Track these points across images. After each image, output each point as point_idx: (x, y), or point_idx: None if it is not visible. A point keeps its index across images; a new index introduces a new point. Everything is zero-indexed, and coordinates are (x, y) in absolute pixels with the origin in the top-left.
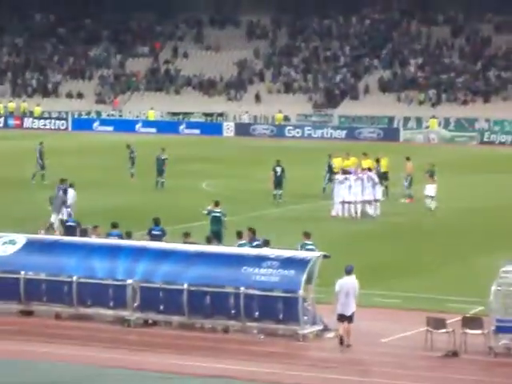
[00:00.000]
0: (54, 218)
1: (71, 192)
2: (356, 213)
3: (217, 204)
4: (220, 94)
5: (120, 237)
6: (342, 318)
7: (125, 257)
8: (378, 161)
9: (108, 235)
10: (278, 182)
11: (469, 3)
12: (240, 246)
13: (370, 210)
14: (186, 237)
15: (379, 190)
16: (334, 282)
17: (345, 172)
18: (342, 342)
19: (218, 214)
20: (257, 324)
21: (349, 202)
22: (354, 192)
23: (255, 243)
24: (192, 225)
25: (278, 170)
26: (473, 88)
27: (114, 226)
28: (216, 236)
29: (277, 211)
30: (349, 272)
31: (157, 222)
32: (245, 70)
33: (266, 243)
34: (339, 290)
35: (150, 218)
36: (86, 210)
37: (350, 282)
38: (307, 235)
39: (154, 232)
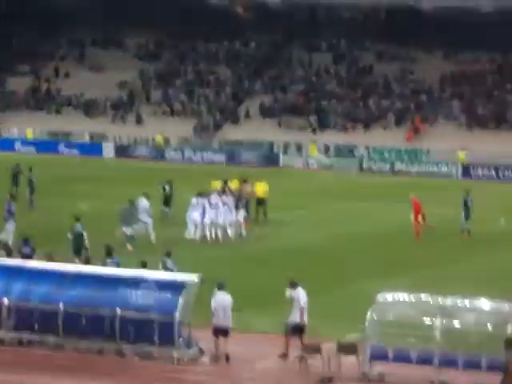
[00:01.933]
0: None
1: None
2: (213, 235)
3: (78, 219)
4: (101, 115)
5: (32, 250)
6: (219, 332)
7: (0, 276)
8: (245, 182)
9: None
10: (167, 200)
11: (351, 31)
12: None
13: (229, 232)
14: (49, 258)
15: (233, 213)
16: (209, 304)
17: (200, 195)
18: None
19: (79, 230)
20: (132, 346)
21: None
22: (209, 215)
23: (110, 261)
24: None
25: (167, 187)
26: (353, 115)
27: (26, 241)
28: (78, 252)
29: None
30: (221, 287)
31: (27, 241)
32: (127, 91)
33: (144, 265)
34: (215, 306)
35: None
36: None
37: (224, 298)
38: (168, 253)
39: (23, 250)
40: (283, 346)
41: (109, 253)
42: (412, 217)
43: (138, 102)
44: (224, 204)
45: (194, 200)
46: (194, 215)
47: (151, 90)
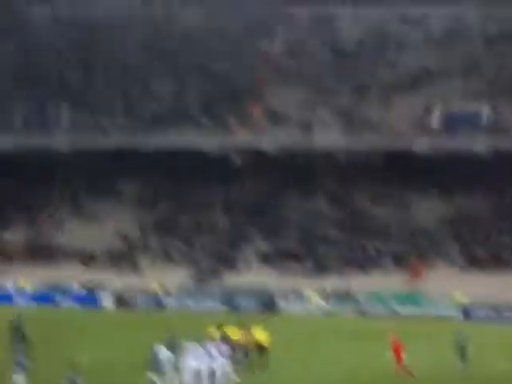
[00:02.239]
0: None
1: None
2: None
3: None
4: (99, 265)
5: None
6: None
7: None
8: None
9: None
10: None
11: (346, 173)
12: None
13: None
14: None
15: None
16: None
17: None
18: None
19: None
20: None
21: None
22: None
23: None
24: None
25: None
26: (351, 260)
27: None
28: None
29: None
30: None
31: None
32: (124, 240)
33: None
34: None
35: None
36: None
37: None
38: None
39: None
40: None
41: None
42: (392, 356)
43: (136, 251)
44: (218, 353)
45: (190, 347)
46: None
47: (149, 239)
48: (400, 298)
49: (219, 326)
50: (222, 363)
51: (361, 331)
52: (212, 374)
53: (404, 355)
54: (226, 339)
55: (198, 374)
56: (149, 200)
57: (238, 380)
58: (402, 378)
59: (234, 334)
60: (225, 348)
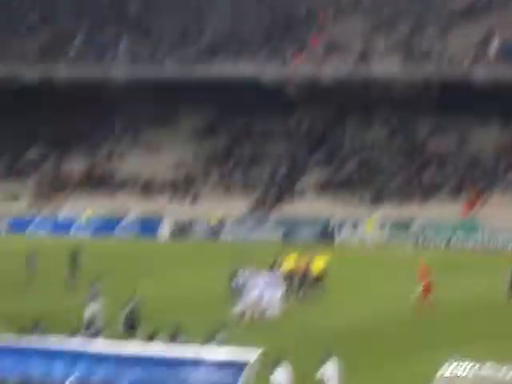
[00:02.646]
0: None
1: None
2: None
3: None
4: (157, 195)
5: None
6: None
7: (61, 360)
8: (299, 258)
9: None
10: None
11: (405, 104)
12: None
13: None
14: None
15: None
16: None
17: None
18: None
19: (132, 307)
20: None
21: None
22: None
23: None
24: None
25: None
26: (408, 190)
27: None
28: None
29: (213, 317)
30: (278, 363)
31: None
32: (183, 170)
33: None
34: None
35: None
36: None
37: (284, 374)
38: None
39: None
40: None
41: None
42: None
43: (194, 182)
44: (269, 282)
45: (241, 277)
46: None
47: (207, 170)
48: (457, 228)
49: (275, 256)
50: (276, 293)
51: (417, 262)
52: (266, 303)
53: (431, 288)
54: (281, 269)
55: (254, 303)
56: (208, 130)
57: (291, 310)
58: (428, 310)
59: (290, 263)
60: (280, 278)
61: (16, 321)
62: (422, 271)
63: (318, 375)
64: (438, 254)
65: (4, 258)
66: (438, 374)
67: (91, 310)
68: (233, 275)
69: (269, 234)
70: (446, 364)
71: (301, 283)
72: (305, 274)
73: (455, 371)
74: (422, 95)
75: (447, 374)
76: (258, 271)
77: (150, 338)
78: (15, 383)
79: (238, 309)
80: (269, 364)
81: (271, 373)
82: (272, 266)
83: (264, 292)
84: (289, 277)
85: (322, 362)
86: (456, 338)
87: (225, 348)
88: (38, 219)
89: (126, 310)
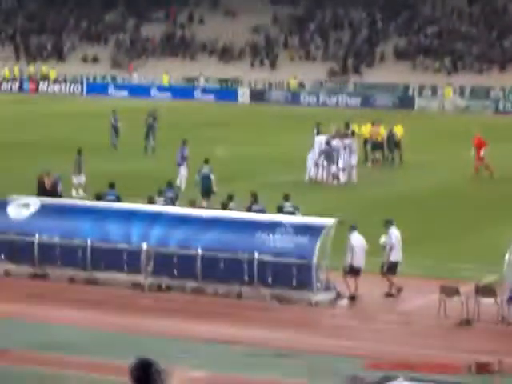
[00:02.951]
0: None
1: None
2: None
3: (206, 162)
4: (236, 60)
5: (116, 197)
6: (353, 271)
7: (139, 222)
8: (373, 124)
9: (104, 195)
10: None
11: None
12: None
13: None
14: (192, 204)
15: (354, 157)
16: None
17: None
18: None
19: (207, 172)
20: (270, 290)
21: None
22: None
23: (256, 208)
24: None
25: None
26: (488, 57)
27: (111, 186)
28: (206, 194)
29: (290, 178)
30: (354, 228)
31: (111, 186)
32: (262, 35)
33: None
34: (352, 246)
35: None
36: (97, 174)
37: (359, 238)
38: (286, 197)
39: (108, 197)
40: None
41: (230, 198)
42: (473, 154)
43: (273, 47)
44: (347, 147)
45: (315, 141)
46: (311, 156)
47: (286, 35)
48: None
49: (353, 122)
50: (352, 159)
51: (496, 129)
52: (342, 168)
53: (482, 152)
54: (360, 134)
55: (331, 168)
56: None
57: (365, 176)
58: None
59: (368, 130)
60: (356, 144)
61: (99, 180)
62: (477, 141)
63: (381, 242)
64: None
65: (85, 117)
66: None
67: (180, 174)
68: (311, 140)
69: (347, 99)
70: None
71: (379, 149)
72: (382, 141)
73: None
74: None
75: None
76: (336, 137)
77: (228, 199)
78: (94, 243)
79: (313, 174)
80: (345, 228)
81: (347, 236)
82: (351, 132)
83: (340, 157)
84: (366, 142)
85: (385, 229)
86: None
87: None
88: (117, 82)
89: (200, 175)
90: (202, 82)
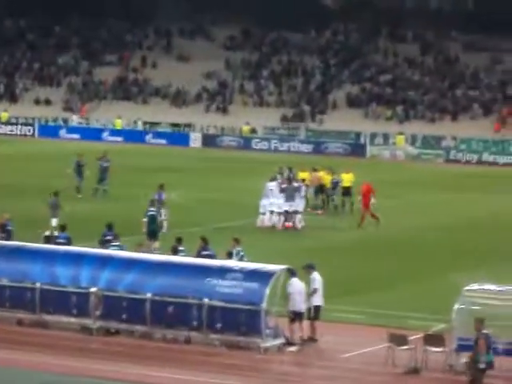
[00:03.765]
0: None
1: None
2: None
3: (152, 203)
4: (188, 105)
5: (67, 240)
6: (297, 316)
7: (89, 265)
8: (315, 170)
9: (56, 238)
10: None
11: (438, 21)
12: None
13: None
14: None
15: (301, 202)
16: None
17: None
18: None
19: (153, 213)
20: (219, 336)
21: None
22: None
23: (205, 253)
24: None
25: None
26: (440, 106)
27: (62, 228)
28: (152, 235)
29: (241, 223)
30: (294, 274)
31: (62, 228)
32: (214, 81)
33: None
34: (292, 291)
35: (102, 226)
36: (45, 217)
37: (299, 284)
38: (237, 241)
39: (59, 239)
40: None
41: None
42: (360, 201)
43: (226, 92)
44: (295, 193)
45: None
46: (264, 202)
47: (238, 80)
48: (488, 145)
49: (305, 168)
50: (300, 205)
51: (447, 177)
52: (290, 214)
53: (372, 200)
54: (311, 180)
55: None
56: (239, 41)
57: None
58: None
59: (320, 176)
60: (305, 190)
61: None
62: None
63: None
64: (470, 170)
65: (36, 160)
66: (466, 287)
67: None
68: (263, 185)
69: (299, 146)
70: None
71: (330, 195)
72: (334, 187)
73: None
74: (455, 11)
75: (475, 288)
76: (286, 182)
77: (177, 242)
78: (43, 286)
79: (261, 219)
80: (288, 274)
81: (288, 282)
82: (300, 178)
83: (289, 204)
84: (318, 188)
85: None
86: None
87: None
88: (68, 125)
89: (146, 217)
90: (139, 126)
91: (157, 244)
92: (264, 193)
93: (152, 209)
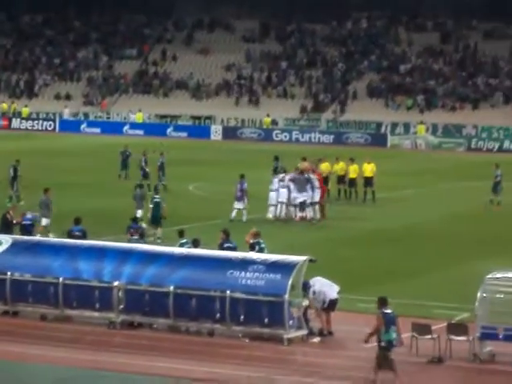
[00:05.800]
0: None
1: None
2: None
3: (156, 191)
4: (208, 97)
5: (82, 233)
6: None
7: (111, 259)
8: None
9: (70, 231)
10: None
11: (458, 10)
12: (181, 244)
13: (308, 212)
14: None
15: (317, 193)
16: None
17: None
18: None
19: (158, 200)
20: (242, 328)
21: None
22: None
23: (227, 245)
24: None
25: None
26: (461, 95)
27: (77, 221)
28: (155, 221)
29: (261, 215)
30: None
31: (77, 221)
32: (234, 73)
33: (196, 243)
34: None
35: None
36: (69, 212)
37: (319, 278)
38: (257, 234)
39: (74, 233)
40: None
41: (181, 235)
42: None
43: (246, 84)
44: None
45: (275, 180)
46: (272, 194)
47: (257, 72)
48: (509, 133)
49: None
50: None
51: (468, 166)
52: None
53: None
54: (332, 171)
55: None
56: (259, 33)
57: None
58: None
59: (340, 167)
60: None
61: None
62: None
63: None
64: (492, 159)
65: (56, 154)
66: (489, 275)
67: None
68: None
69: (320, 137)
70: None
71: (350, 186)
72: (354, 178)
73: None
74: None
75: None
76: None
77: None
78: (65, 281)
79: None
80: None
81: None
82: (320, 169)
83: (307, 195)
84: (339, 180)
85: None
86: None
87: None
88: (89, 119)
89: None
90: (132, 119)
91: (159, 231)
92: (274, 187)
93: (157, 196)
